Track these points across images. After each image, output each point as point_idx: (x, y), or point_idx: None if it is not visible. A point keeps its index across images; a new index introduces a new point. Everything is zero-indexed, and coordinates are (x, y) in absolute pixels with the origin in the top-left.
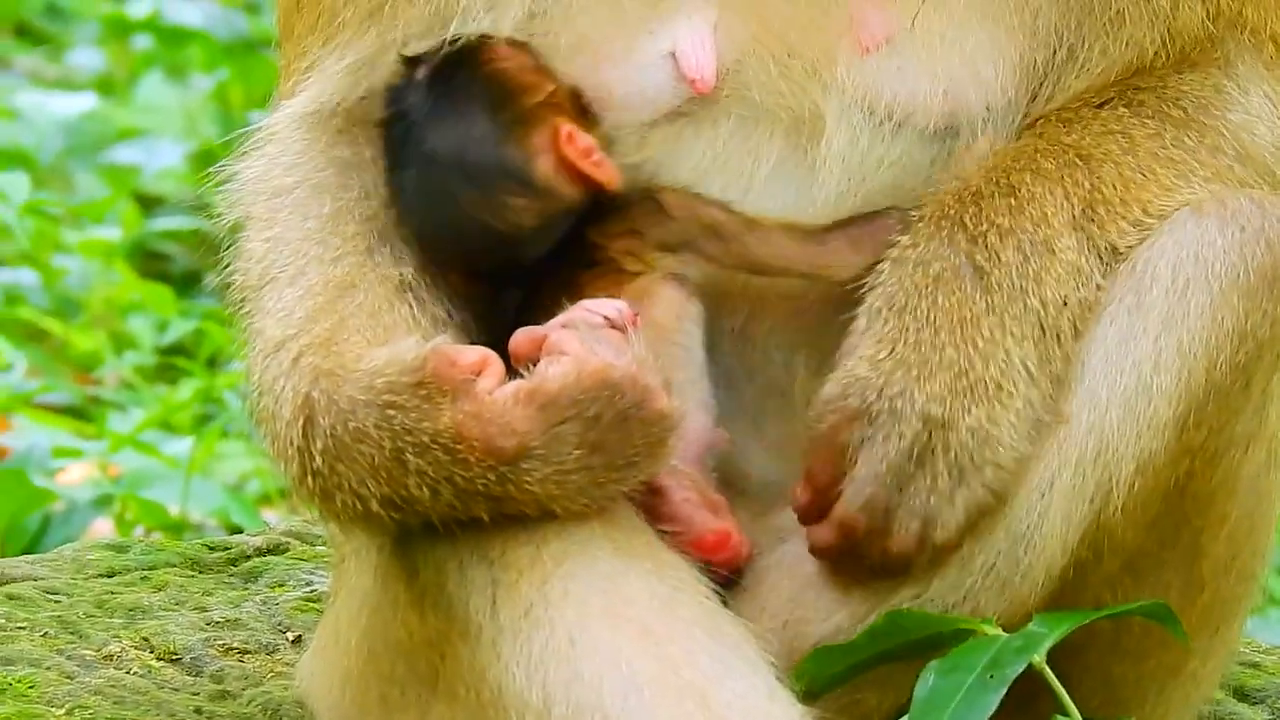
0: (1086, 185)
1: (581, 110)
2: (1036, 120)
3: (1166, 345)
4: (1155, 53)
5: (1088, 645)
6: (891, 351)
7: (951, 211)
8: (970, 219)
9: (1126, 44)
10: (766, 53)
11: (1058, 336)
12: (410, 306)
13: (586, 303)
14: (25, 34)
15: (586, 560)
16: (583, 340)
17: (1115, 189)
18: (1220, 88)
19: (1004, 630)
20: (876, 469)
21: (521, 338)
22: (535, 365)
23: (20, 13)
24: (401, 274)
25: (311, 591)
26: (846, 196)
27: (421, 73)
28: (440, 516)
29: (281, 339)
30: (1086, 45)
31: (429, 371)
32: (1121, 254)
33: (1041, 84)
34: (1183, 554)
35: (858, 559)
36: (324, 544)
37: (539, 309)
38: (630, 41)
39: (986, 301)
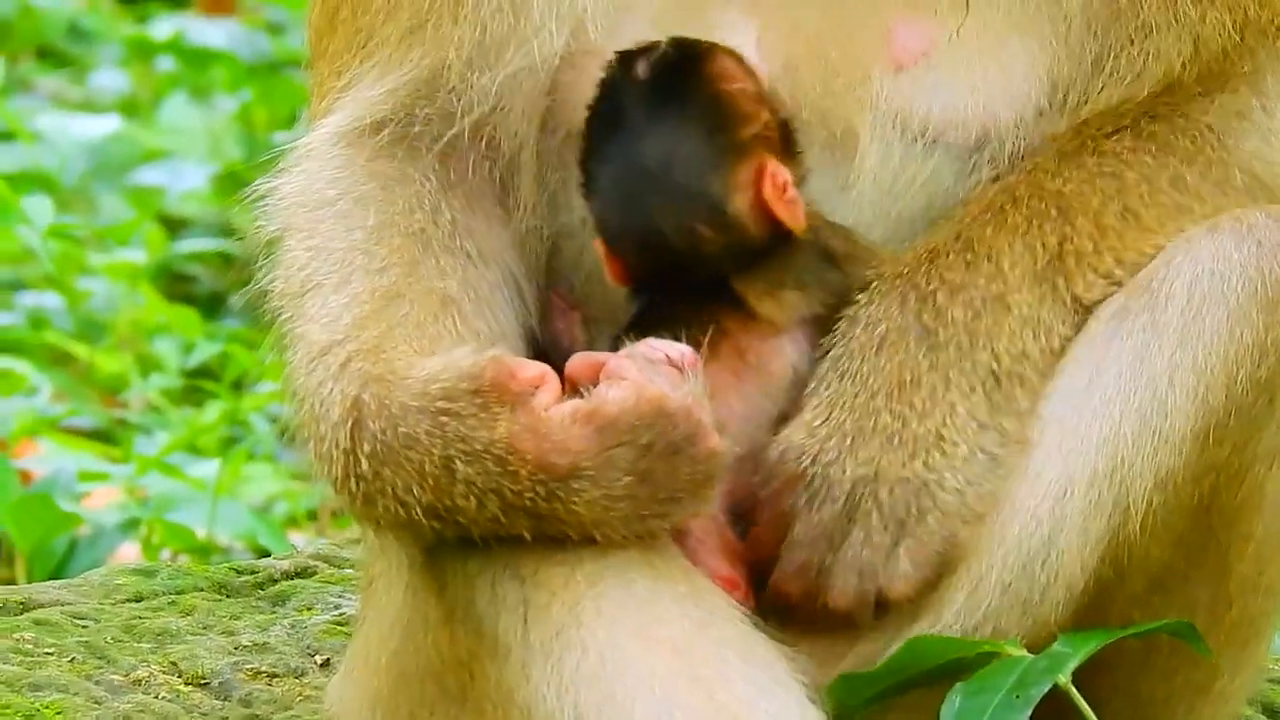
0: (1055, 238)
1: (788, 142)
2: (1043, 143)
3: (1182, 361)
4: (1184, 64)
5: (1116, 664)
6: (828, 418)
7: (906, 270)
8: (923, 277)
9: (1154, 54)
10: (807, 69)
11: (1019, 380)
12: (454, 320)
13: (651, 340)
14: (48, 56)
15: (621, 582)
16: (641, 370)
17: (1090, 239)
18: (1244, 112)
19: (1029, 651)
20: (810, 534)
21: (580, 361)
22: (592, 389)
23: (43, 35)
24: (445, 288)
25: (340, 615)
26: (879, 215)
27: (642, 69)
28: (481, 531)
29: (328, 344)
30: (1114, 55)
31: (487, 380)
32: (1087, 306)
33: (1070, 95)
34: (1210, 571)
35: (805, 616)
36: (352, 567)
37: (649, 327)
38: None
39: (930, 360)
